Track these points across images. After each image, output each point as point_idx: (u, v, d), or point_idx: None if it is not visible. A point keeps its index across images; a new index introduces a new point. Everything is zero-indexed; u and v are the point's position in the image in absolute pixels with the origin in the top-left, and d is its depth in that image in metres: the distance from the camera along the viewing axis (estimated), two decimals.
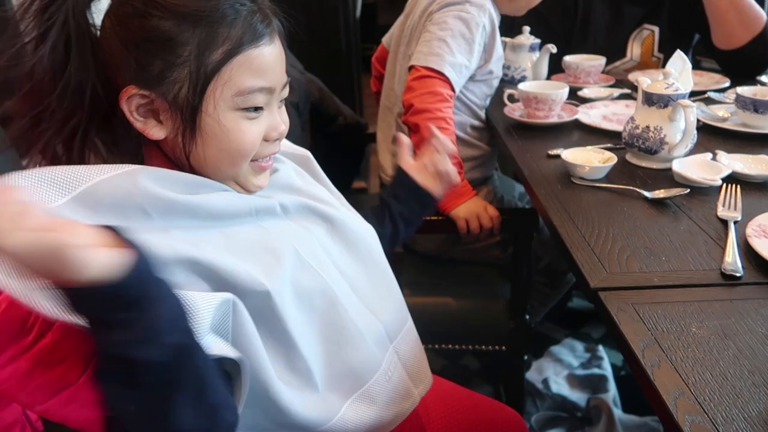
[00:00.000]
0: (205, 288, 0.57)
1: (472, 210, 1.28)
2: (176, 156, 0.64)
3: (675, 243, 0.86)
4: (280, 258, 0.64)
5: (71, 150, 0.63)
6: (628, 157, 1.16)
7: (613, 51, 1.75)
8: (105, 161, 0.64)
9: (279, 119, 0.67)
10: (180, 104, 0.60)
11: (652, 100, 1.09)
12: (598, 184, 1.06)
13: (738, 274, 0.77)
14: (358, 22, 3.20)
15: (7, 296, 0.49)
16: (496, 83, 1.49)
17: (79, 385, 0.71)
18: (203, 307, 0.54)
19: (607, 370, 1.71)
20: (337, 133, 1.73)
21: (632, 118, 1.13)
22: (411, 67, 1.32)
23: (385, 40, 1.63)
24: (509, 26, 1.61)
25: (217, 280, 0.58)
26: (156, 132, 0.62)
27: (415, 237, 1.46)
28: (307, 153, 0.83)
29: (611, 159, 1.09)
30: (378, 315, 0.75)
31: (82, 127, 0.62)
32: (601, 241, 0.88)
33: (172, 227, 0.58)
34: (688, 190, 0.99)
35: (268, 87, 0.64)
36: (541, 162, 1.19)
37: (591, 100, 1.51)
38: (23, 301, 0.46)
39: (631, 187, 1.03)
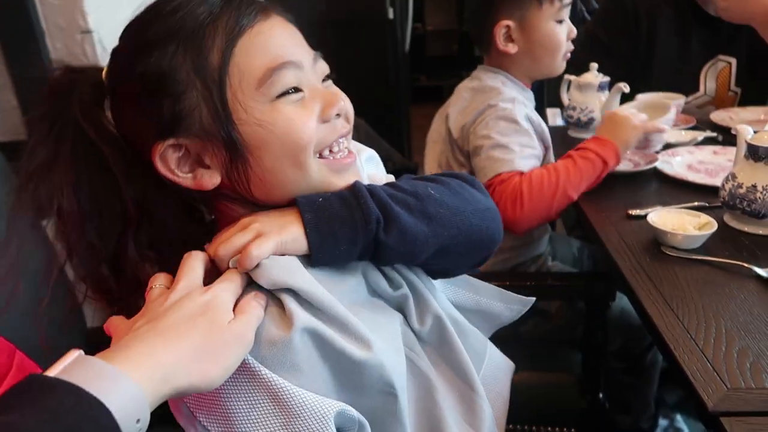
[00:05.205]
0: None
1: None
2: (241, 195, 0.57)
3: None
4: (398, 349, 0.58)
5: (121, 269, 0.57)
6: (728, 219, 0.98)
7: (682, 84, 1.59)
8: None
9: (331, 92, 0.58)
10: (210, 129, 0.53)
11: (758, 154, 0.92)
12: (694, 256, 0.89)
13: None
14: (407, 55, 3.12)
15: None
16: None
17: None
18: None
19: None
20: None
21: (733, 175, 0.96)
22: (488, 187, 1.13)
23: None
24: (570, 62, 1.45)
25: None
26: (210, 178, 0.55)
27: None
28: (373, 152, 0.73)
29: (709, 225, 0.92)
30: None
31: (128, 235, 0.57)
32: (711, 338, 0.71)
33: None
34: None
35: (289, 61, 0.54)
36: (621, 224, 1.02)
37: (671, 145, 1.34)
38: None
39: (738, 262, 0.85)
